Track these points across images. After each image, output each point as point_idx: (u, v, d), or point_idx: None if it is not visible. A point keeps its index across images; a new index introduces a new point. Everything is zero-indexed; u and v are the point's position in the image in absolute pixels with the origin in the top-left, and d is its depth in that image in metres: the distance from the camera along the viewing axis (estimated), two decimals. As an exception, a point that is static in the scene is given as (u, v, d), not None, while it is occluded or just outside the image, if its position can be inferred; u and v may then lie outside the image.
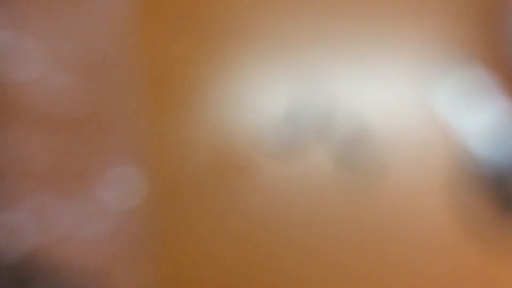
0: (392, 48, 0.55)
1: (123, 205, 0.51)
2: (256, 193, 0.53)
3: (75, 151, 0.51)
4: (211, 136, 0.53)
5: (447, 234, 0.54)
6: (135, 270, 0.51)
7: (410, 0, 0.55)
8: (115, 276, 0.51)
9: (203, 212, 0.53)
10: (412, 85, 0.55)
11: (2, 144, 0.50)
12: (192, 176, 0.53)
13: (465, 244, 0.54)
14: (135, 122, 0.52)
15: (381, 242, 0.54)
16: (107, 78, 0.51)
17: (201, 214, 0.53)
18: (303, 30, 0.55)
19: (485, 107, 0.55)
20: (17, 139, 0.51)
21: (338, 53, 0.55)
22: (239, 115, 0.54)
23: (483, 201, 0.54)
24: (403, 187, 0.54)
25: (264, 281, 0.53)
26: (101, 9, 0.51)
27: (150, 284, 0.51)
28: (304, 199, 0.54)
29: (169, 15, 0.54)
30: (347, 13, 0.55)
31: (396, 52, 0.55)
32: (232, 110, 0.54)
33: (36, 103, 0.51)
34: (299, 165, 0.54)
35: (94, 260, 0.51)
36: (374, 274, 0.54)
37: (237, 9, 0.55)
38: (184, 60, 0.54)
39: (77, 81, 0.51)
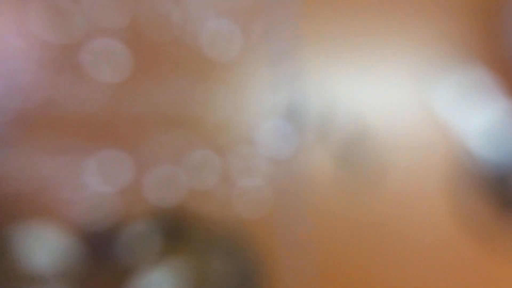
0: (392, 48, 0.55)
1: (277, 156, 0.51)
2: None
3: (232, 100, 0.51)
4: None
5: (447, 234, 0.54)
6: (289, 220, 0.51)
7: (410, 0, 0.55)
8: (270, 227, 0.51)
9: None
10: (412, 85, 0.55)
11: (164, 93, 0.50)
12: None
13: (465, 244, 0.54)
14: (288, 71, 0.52)
15: (381, 241, 0.54)
16: (262, 25, 0.51)
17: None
18: (303, 30, 0.55)
19: (485, 107, 0.55)
20: (178, 87, 0.51)
21: (338, 53, 0.55)
22: (238, 115, 0.54)
23: (483, 201, 0.54)
24: (403, 187, 0.54)
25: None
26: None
27: (304, 233, 0.52)
28: (304, 198, 0.54)
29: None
30: (347, 13, 0.55)
31: (396, 52, 0.55)
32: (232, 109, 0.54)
33: (195, 47, 0.50)
34: (299, 165, 0.54)
35: (247, 211, 0.51)
36: (373, 273, 0.54)
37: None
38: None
39: (233, 26, 0.50)
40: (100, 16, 0.50)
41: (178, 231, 0.51)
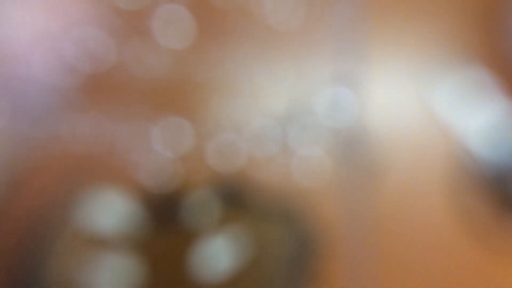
0: (392, 47, 0.55)
1: (338, 125, 0.51)
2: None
3: (293, 69, 0.50)
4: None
5: (447, 234, 0.54)
6: (349, 190, 0.51)
7: (410, 0, 0.55)
8: (329, 196, 0.51)
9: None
10: (412, 85, 0.55)
11: (227, 61, 0.50)
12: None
13: (465, 244, 0.54)
14: (351, 40, 0.51)
15: (381, 242, 0.54)
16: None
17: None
18: (303, 29, 0.55)
19: (485, 107, 0.55)
20: (241, 55, 0.50)
21: (338, 52, 0.55)
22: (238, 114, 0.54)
23: (483, 201, 0.54)
24: (403, 187, 0.54)
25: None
26: None
27: (364, 204, 0.51)
28: (304, 198, 0.54)
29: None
30: (347, 12, 0.55)
31: (396, 52, 0.55)
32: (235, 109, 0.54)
33: (259, 15, 0.50)
34: (298, 165, 0.54)
35: (306, 180, 0.51)
36: (373, 273, 0.54)
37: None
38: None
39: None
40: None
41: (237, 198, 0.51)
